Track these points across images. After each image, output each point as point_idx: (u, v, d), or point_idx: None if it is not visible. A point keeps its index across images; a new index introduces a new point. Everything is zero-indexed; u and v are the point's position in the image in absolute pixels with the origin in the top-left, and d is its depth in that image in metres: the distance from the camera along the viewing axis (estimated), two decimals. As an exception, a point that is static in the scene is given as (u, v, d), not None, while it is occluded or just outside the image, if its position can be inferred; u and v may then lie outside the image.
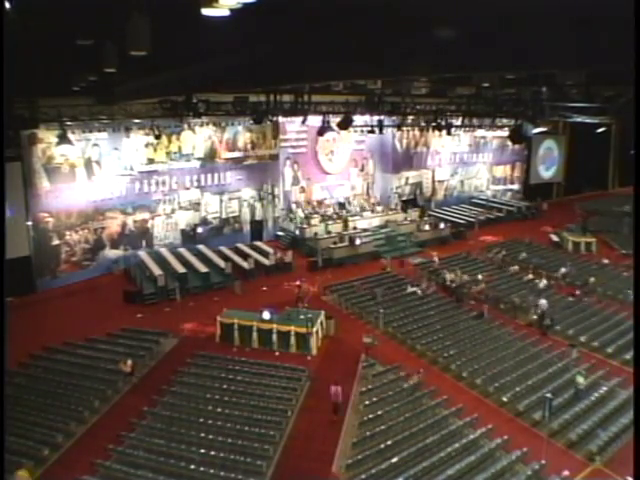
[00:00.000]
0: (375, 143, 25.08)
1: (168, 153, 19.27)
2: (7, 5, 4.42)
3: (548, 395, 10.77)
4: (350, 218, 22.66)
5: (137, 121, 17.17)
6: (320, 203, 23.64)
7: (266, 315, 13.56)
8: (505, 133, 24.46)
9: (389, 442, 9.55)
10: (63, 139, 14.83)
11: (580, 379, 11.27)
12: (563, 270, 18.22)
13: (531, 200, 28.81)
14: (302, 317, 13.62)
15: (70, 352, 12.82)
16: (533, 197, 29.09)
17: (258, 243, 21.08)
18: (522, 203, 28.49)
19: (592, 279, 17.15)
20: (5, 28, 4.83)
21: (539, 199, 28.58)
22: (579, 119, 18.68)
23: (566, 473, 8.84)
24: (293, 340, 13.31)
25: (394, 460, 9.08)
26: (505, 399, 11.24)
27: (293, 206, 23.02)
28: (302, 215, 22.33)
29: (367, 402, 10.87)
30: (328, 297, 16.65)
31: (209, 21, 4.39)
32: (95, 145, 17.48)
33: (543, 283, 16.78)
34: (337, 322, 14.69)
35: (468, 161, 28.95)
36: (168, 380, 11.72)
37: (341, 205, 23.83)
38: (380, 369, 12.37)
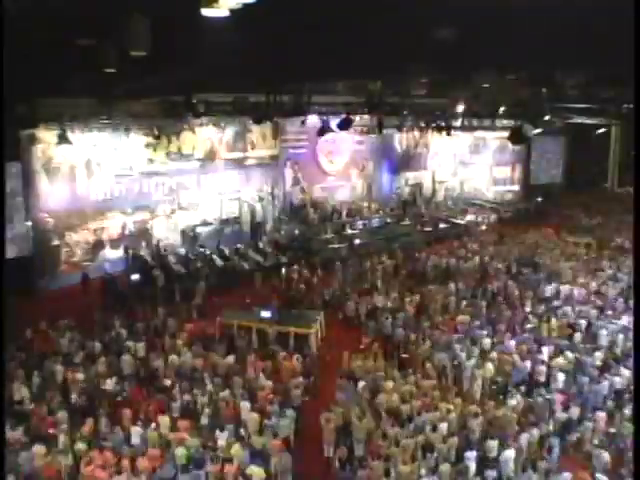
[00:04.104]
0: (375, 144, 25.09)
1: (168, 153, 19.26)
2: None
3: (548, 397, 10.81)
4: (350, 219, 22.73)
5: (137, 121, 17.18)
6: (319, 204, 23.65)
7: (265, 314, 13.58)
8: (505, 134, 24.45)
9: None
10: (63, 139, 14.82)
11: None
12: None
13: (531, 201, 28.84)
14: (302, 317, 13.65)
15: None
16: (533, 198, 29.11)
17: (258, 243, 21.05)
18: (522, 204, 28.52)
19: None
20: (5, 28, 4.84)
21: (539, 199, 28.59)
22: (579, 120, 18.74)
23: (566, 474, 8.85)
24: (292, 340, 13.30)
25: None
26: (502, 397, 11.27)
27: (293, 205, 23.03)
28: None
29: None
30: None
31: (209, 21, 4.40)
32: (95, 145, 17.48)
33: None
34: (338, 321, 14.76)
35: (468, 162, 28.97)
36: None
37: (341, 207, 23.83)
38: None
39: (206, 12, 4.16)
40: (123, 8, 4.90)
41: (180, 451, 8.90)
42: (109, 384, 11.17)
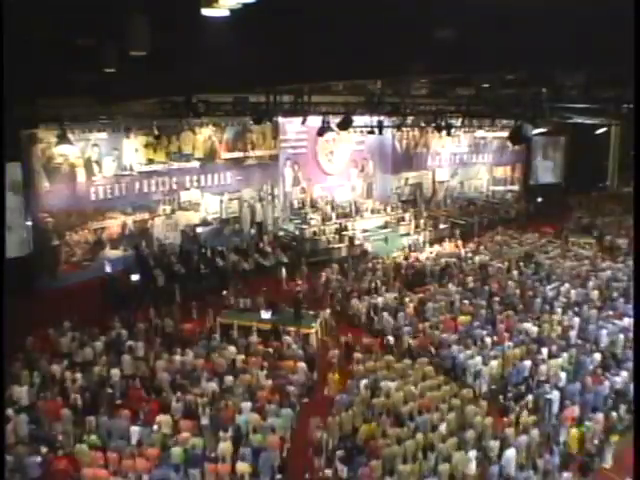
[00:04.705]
0: (375, 144, 25.08)
1: (168, 153, 19.25)
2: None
3: (548, 396, 10.80)
4: (350, 219, 22.72)
5: (137, 121, 17.17)
6: (319, 204, 23.63)
7: (265, 315, 13.59)
8: (505, 134, 24.47)
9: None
10: (63, 139, 14.79)
11: None
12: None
13: (531, 201, 28.83)
14: (302, 317, 13.66)
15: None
16: (533, 198, 29.10)
17: (258, 243, 21.03)
18: (522, 204, 28.52)
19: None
20: (5, 28, 4.83)
21: (539, 199, 28.59)
22: (579, 120, 18.73)
23: (566, 474, 8.85)
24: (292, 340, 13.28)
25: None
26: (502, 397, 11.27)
27: (295, 204, 23.04)
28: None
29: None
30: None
31: (209, 21, 4.40)
32: (95, 145, 17.47)
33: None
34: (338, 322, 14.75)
35: (468, 162, 28.97)
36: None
37: (341, 207, 23.82)
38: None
39: (206, 12, 4.16)
40: (123, 8, 4.89)
41: (177, 450, 8.89)
42: (109, 384, 11.19)
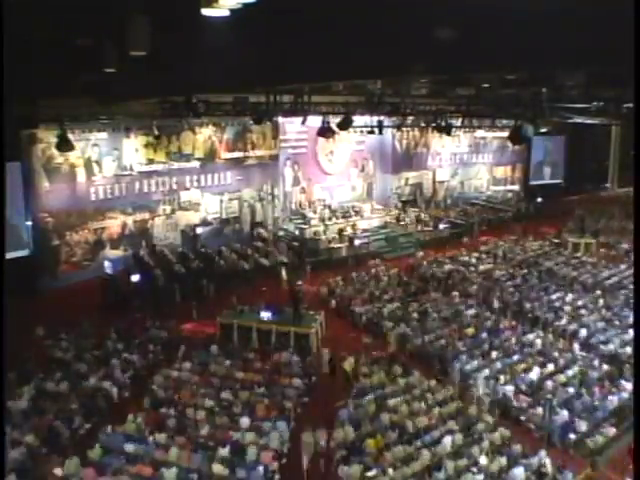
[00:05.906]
0: (375, 144, 25.09)
1: (168, 153, 19.26)
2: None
3: (548, 395, 10.78)
4: (350, 219, 22.70)
5: (137, 121, 17.18)
6: (319, 204, 23.61)
7: (265, 316, 13.59)
8: (505, 134, 24.45)
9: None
10: (63, 142, 14.72)
11: None
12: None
13: (531, 201, 28.83)
14: (302, 317, 13.65)
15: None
16: (533, 198, 29.11)
17: (258, 244, 21.04)
18: (522, 204, 28.52)
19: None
20: (5, 28, 4.83)
21: (539, 199, 28.59)
22: (579, 120, 18.70)
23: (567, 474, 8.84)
24: (292, 341, 13.28)
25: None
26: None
27: (293, 206, 23.03)
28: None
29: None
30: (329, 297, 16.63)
31: (209, 21, 4.40)
32: (95, 145, 17.49)
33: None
34: (337, 322, 14.72)
35: (468, 162, 28.98)
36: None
37: (341, 207, 23.81)
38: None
39: (206, 12, 4.16)
40: (123, 8, 4.89)
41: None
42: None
